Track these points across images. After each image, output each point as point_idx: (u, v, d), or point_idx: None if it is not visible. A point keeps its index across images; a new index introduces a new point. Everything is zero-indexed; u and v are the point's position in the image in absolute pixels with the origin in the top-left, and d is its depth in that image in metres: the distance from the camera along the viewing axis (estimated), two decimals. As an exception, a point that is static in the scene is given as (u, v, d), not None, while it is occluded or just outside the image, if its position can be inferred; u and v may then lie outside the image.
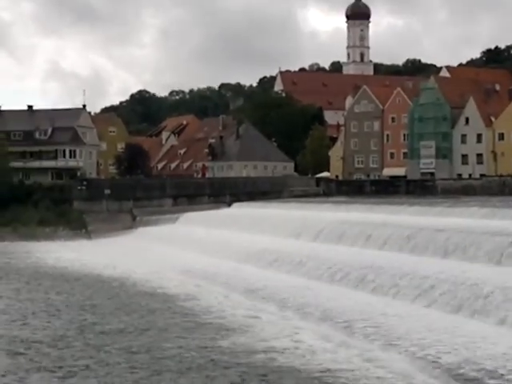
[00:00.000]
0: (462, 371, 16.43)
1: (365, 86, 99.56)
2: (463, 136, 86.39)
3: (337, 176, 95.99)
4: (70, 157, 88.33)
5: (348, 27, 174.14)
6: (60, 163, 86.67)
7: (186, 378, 16.95)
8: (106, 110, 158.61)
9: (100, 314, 26.33)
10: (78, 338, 21.80)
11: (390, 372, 16.55)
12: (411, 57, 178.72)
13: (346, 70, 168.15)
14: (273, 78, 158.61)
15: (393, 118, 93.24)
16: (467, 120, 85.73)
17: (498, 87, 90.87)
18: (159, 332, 22.32)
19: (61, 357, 19.18)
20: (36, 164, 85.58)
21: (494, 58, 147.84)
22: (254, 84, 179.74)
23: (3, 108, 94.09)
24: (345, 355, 18.32)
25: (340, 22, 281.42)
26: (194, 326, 22.91)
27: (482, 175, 79.80)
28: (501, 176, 76.67)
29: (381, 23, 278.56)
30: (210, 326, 22.96)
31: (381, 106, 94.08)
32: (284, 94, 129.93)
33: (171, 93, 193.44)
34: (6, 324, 24.35)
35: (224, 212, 66.26)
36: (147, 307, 27.57)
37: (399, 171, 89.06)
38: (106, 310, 27.05)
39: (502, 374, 15.88)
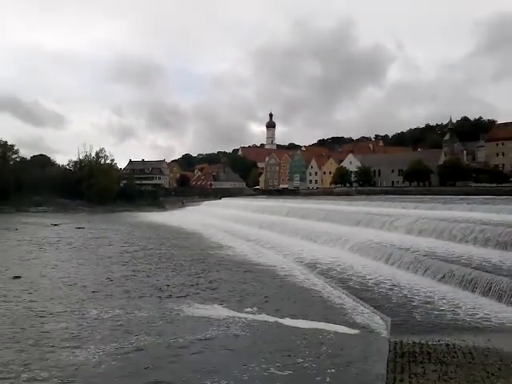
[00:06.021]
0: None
1: (273, 153, 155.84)
2: (310, 174, 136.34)
3: (262, 187, 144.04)
4: (158, 179, 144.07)
5: (267, 131, 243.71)
6: (154, 182, 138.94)
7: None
8: (173, 161, 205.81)
9: (167, 241, 36.86)
10: (161, 248, 32.49)
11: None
12: (292, 142, 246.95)
13: (267, 146, 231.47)
14: (237, 150, 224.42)
15: (283, 166, 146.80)
16: (312, 167, 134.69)
17: (324, 154, 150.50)
18: (198, 247, 32.95)
19: (148, 259, 28.90)
20: (145, 182, 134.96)
21: (324, 143, 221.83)
22: (231, 151, 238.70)
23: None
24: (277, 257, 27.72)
25: (263, 127, 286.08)
26: (215, 246, 32.18)
27: (317, 188, 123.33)
28: (323, 188, 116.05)
29: (278, 129, 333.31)
30: (220, 247, 32.16)
31: (279, 161, 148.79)
32: (243, 156, 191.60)
33: (199, 154, 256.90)
34: (121, 243, 36.45)
35: (219, 201, 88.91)
36: (187, 236, 39.66)
37: (286, 186, 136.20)
38: (170, 240, 37.84)
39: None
